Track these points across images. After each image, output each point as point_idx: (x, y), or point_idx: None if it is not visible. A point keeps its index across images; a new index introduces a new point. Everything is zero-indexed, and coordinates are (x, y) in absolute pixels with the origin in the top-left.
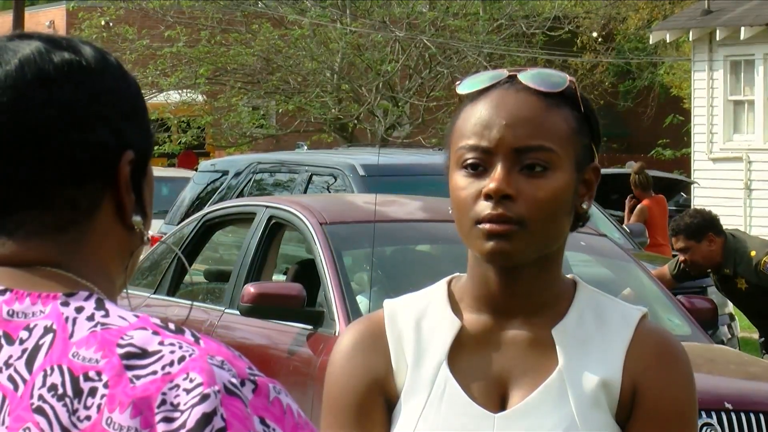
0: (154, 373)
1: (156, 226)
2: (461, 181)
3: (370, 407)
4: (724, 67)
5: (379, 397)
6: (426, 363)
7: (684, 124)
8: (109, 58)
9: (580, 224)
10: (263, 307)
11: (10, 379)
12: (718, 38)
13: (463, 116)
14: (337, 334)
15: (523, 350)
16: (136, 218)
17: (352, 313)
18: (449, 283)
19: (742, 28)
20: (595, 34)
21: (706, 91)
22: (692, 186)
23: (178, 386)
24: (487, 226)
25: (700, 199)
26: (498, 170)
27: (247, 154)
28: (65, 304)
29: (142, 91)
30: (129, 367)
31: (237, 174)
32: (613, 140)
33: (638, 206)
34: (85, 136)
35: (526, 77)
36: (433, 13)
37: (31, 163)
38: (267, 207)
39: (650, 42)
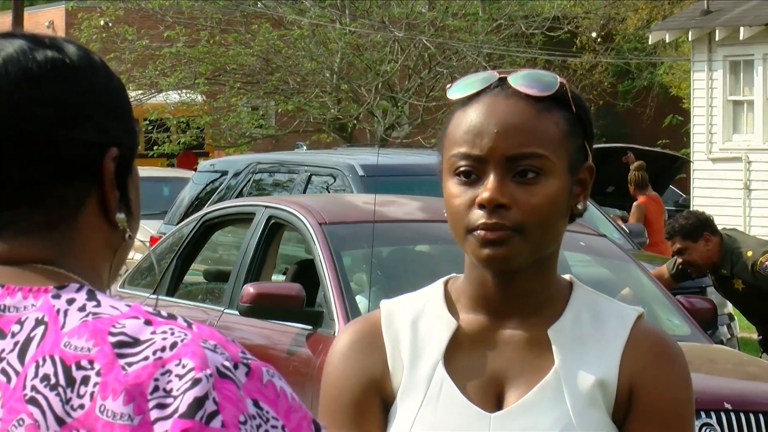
0: (146, 358)
1: (155, 226)
2: (454, 189)
3: (366, 407)
4: (723, 67)
5: (375, 397)
6: (422, 363)
7: (683, 125)
8: (93, 56)
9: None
10: (262, 308)
11: (3, 371)
12: (717, 38)
13: (455, 122)
14: (336, 334)
15: (519, 350)
16: (120, 215)
17: (351, 313)
18: (446, 284)
19: (742, 28)
20: (594, 35)
21: (706, 91)
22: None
23: (170, 372)
24: (481, 233)
25: (700, 199)
26: (491, 179)
27: (246, 155)
28: (56, 296)
29: (142, 92)
30: (121, 355)
31: (236, 174)
32: (612, 140)
33: (634, 204)
34: (71, 134)
35: (516, 80)
36: (433, 13)
37: (19, 162)
38: (266, 207)
39: (649, 42)
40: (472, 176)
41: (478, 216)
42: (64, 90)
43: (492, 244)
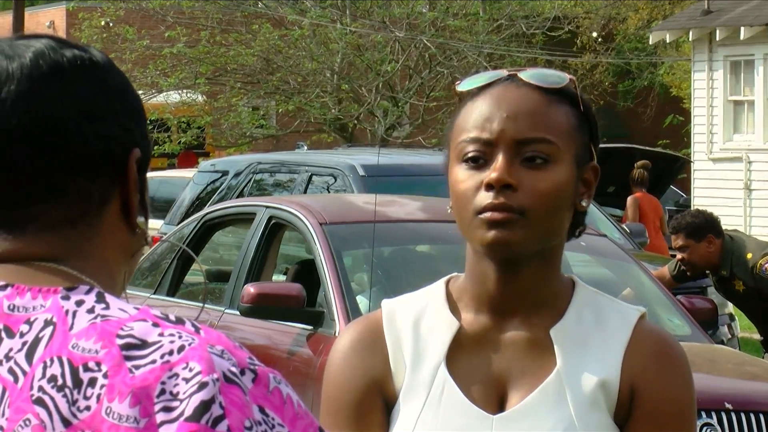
0: (153, 362)
1: (156, 226)
2: (462, 174)
3: (368, 408)
4: (723, 67)
5: (377, 398)
6: (424, 364)
7: (684, 125)
8: (113, 63)
9: (580, 230)
10: (263, 308)
11: (10, 371)
12: (717, 38)
13: (464, 113)
14: (337, 334)
15: (521, 351)
16: (140, 219)
17: (352, 313)
18: (447, 283)
19: (742, 29)
20: (594, 35)
21: (706, 91)
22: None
23: (177, 375)
24: (488, 214)
25: (700, 199)
26: (499, 160)
27: (247, 155)
28: (66, 297)
29: (142, 92)
30: (128, 358)
31: (237, 174)
32: (612, 140)
33: (630, 197)
34: (97, 128)
35: (526, 75)
36: (433, 13)
37: (46, 152)
38: (267, 207)
39: (650, 42)
40: (480, 161)
41: (485, 197)
42: (90, 86)
43: (498, 225)
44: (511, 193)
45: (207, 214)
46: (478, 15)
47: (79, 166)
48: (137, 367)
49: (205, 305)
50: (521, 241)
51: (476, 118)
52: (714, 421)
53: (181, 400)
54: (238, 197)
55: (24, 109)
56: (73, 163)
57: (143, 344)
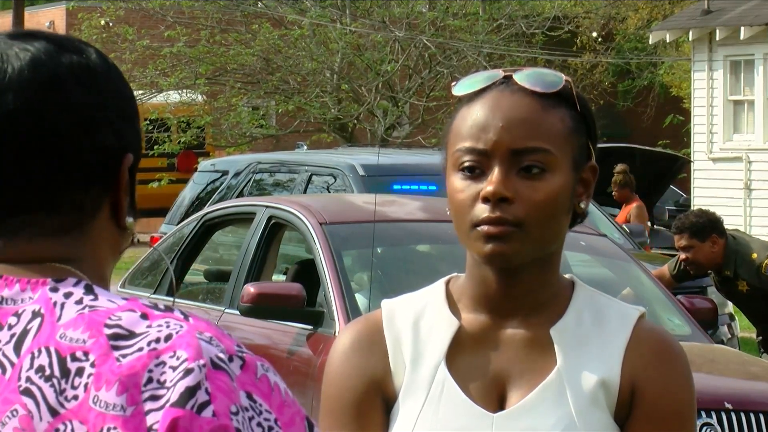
0: (140, 350)
1: (157, 226)
2: (459, 184)
3: (368, 407)
4: (723, 67)
5: (377, 397)
6: (424, 363)
7: (684, 124)
8: (109, 60)
9: (578, 221)
10: (263, 307)
11: None
12: (717, 38)
13: (460, 118)
14: (336, 334)
15: (521, 350)
16: (129, 219)
17: (351, 313)
18: (447, 283)
19: (742, 28)
20: (594, 34)
21: (706, 91)
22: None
23: (164, 363)
24: (485, 228)
25: (700, 199)
26: (495, 173)
27: (246, 154)
28: (54, 289)
29: (142, 91)
30: (116, 347)
31: (237, 174)
32: (612, 140)
33: (634, 206)
34: (93, 140)
35: (521, 77)
36: (433, 13)
37: (42, 167)
38: (267, 207)
39: (650, 42)
40: (476, 171)
41: (482, 210)
42: (87, 95)
43: (494, 239)
44: (508, 205)
45: (207, 213)
46: (478, 15)
47: (72, 179)
48: (124, 356)
49: (205, 306)
50: (518, 253)
51: (471, 126)
52: (714, 421)
53: (168, 388)
54: (238, 197)
55: (20, 123)
56: (66, 177)
57: (131, 334)
